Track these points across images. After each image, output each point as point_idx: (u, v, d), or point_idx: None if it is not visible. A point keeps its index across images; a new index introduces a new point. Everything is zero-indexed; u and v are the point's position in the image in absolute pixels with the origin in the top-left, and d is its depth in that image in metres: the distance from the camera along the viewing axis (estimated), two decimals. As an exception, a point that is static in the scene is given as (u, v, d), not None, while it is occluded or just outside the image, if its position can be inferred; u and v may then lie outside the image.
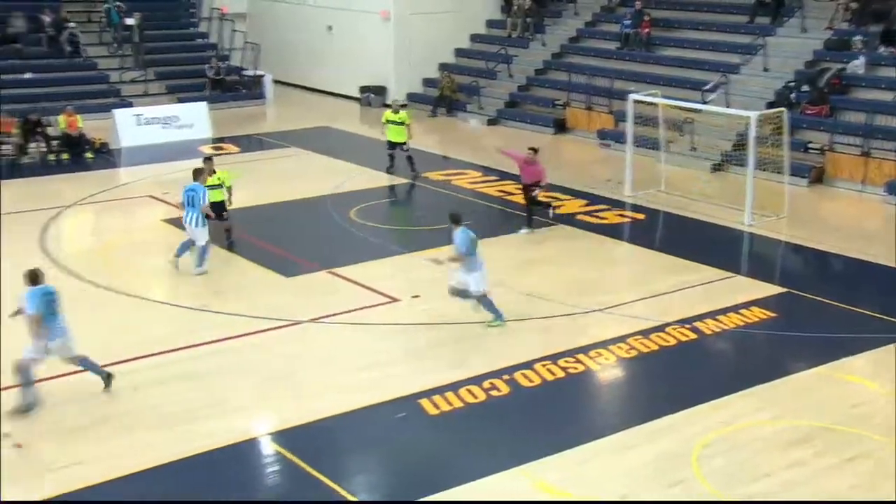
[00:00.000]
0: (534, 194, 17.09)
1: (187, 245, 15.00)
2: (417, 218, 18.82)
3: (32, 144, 22.68)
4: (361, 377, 11.50)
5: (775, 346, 12.62)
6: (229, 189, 15.99)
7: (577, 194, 19.60)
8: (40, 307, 10.46)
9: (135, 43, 29.70)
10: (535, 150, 17.19)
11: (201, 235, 14.84)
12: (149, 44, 30.03)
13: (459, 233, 12.57)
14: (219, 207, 15.64)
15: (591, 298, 13.90)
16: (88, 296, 14.07)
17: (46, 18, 28.78)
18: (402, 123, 21.09)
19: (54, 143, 22.87)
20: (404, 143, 21.13)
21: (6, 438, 9.89)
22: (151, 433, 10.06)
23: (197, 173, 15.19)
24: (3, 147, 22.39)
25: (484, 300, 12.75)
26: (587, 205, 18.91)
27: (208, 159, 16.20)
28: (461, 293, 12.76)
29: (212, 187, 15.43)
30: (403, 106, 26.07)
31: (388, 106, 24.72)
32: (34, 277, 10.73)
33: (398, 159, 21.28)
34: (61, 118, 23.08)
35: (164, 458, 9.52)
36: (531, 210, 17.24)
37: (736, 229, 17.45)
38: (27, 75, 27.40)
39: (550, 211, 17.46)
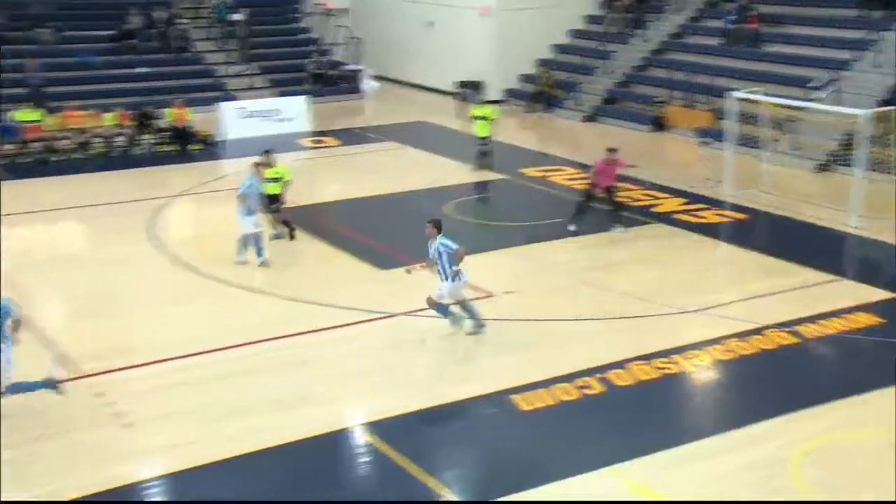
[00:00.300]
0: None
1: (245, 241, 15.21)
2: (512, 214, 18.79)
3: (145, 136, 23.55)
4: (453, 371, 11.58)
5: (882, 352, 12.16)
6: (286, 184, 16.23)
7: (675, 192, 19.30)
8: None
9: (240, 38, 30.49)
10: (613, 150, 16.94)
11: (244, 225, 15.05)
12: (254, 39, 30.79)
13: (447, 241, 12.04)
14: (272, 199, 15.97)
15: (687, 298, 13.66)
16: (191, 284, 14.56)
17: (162, 15, 29.88)
18: (486, 118, 21.25)
19: (163, 134, 23.68)
20: (487, 137, 21.23)
21: (118, 418, 10.28)
22: (247, 420, 10.30)
23: (255, 166, 15.52)
24: (118, 138, 23.33)
25: (440, 307, 12.29)
26: (686, 203, 18.59)
27: (267, 152, 16.47)
28: (464, 306, 12.38)
29: (269, 180, 15.82)
30: (493, 102, 26.22)
31: (486, 102, 24.79)
32: None
33: (482, 152, 21.35)
34: (170, 111, 23.88)
35: (260, 445, 9.72)
36: (619, 208, 17.03)
37: (841, 231, 16.90)
38: (140, 70, 28.45)
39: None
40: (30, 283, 14.28)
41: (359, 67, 31.62)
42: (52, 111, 23.45)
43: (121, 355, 11.74)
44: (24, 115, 22.93)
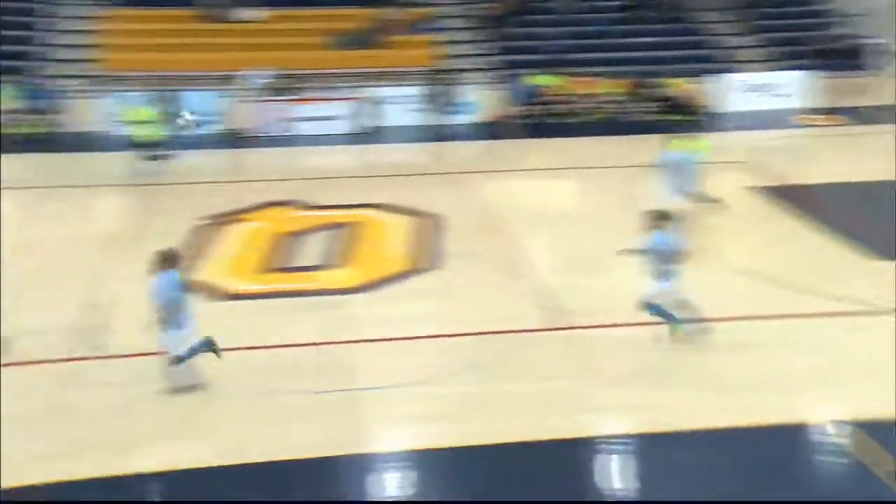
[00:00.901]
0: None
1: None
2: None
3: (640, 104, 24.23)
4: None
5: None
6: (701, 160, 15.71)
7: None
8: (170, 294, 9.43)
9: (745, 9, 29.77)
10: None
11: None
12: (761, 9, 29.83)
13: (659, 235, 10.93)
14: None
15: None
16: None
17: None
18: None
19: (658, 104, 24.15)
20: None
21: (587, 372, 10.72)
22: (718, 395, 10.16)
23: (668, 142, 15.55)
24: (616, 105, 24.30)
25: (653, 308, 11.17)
26: None
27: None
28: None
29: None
30: None
31: None
32: (169, 259, 9.55)
33: None
34: (669, 81, 24.28)
35: (719, 422, 9.60)
36: None
37: None
38: (641, 39, 29.19)
39: None
40: (528, 236, 15.60)
41: (878, 40, 28.98)
42: (571, 76, 24.95)
43: (601, 313, 12.11)
44: (539, 79, 24.84)
